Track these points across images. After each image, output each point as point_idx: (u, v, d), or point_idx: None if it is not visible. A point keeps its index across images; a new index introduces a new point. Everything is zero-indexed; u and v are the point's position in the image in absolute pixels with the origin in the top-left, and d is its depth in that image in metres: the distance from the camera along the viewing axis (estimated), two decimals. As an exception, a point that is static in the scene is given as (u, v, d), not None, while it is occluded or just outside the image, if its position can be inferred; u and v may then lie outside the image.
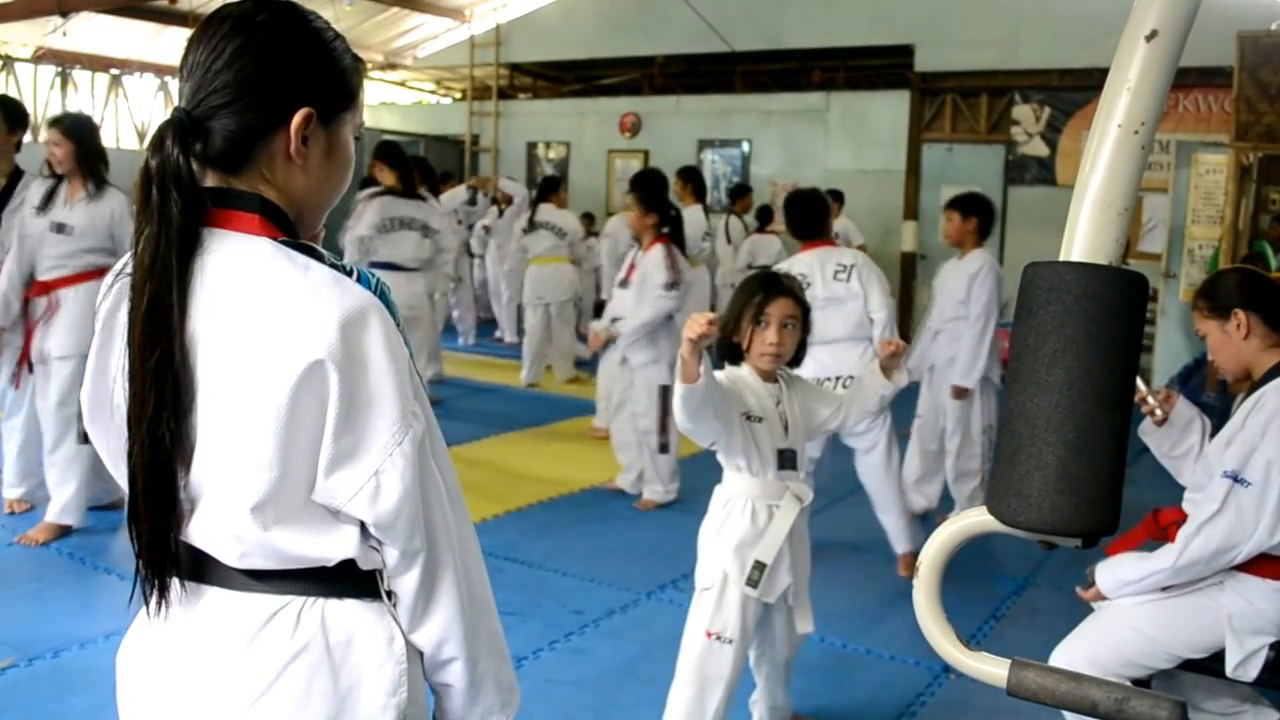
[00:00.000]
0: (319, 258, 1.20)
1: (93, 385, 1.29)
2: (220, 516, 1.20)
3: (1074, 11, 9.37)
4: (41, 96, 11.71)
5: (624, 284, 5.23)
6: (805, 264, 4.19)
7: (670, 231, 5.15)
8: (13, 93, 11.33)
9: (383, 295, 1.20)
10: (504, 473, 5.76)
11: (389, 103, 14.91)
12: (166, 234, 1.17)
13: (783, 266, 3.99)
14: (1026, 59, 10.03)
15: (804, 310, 2.73)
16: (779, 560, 2.63)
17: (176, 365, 1.16)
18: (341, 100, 1.29)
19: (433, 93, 15.22)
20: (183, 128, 1.20)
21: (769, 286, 2.70)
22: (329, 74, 1.27)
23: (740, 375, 2.69)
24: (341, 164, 1.32)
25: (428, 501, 1.23)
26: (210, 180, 1.23)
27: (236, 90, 1.21)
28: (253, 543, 1.19)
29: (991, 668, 0.93)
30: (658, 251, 5.08)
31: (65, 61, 11.57)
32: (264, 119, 1.23)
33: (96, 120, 5.20)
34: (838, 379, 3.84)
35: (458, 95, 14.59)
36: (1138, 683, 2.53)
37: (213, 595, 1.25)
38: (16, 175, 4.49)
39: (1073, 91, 9.91)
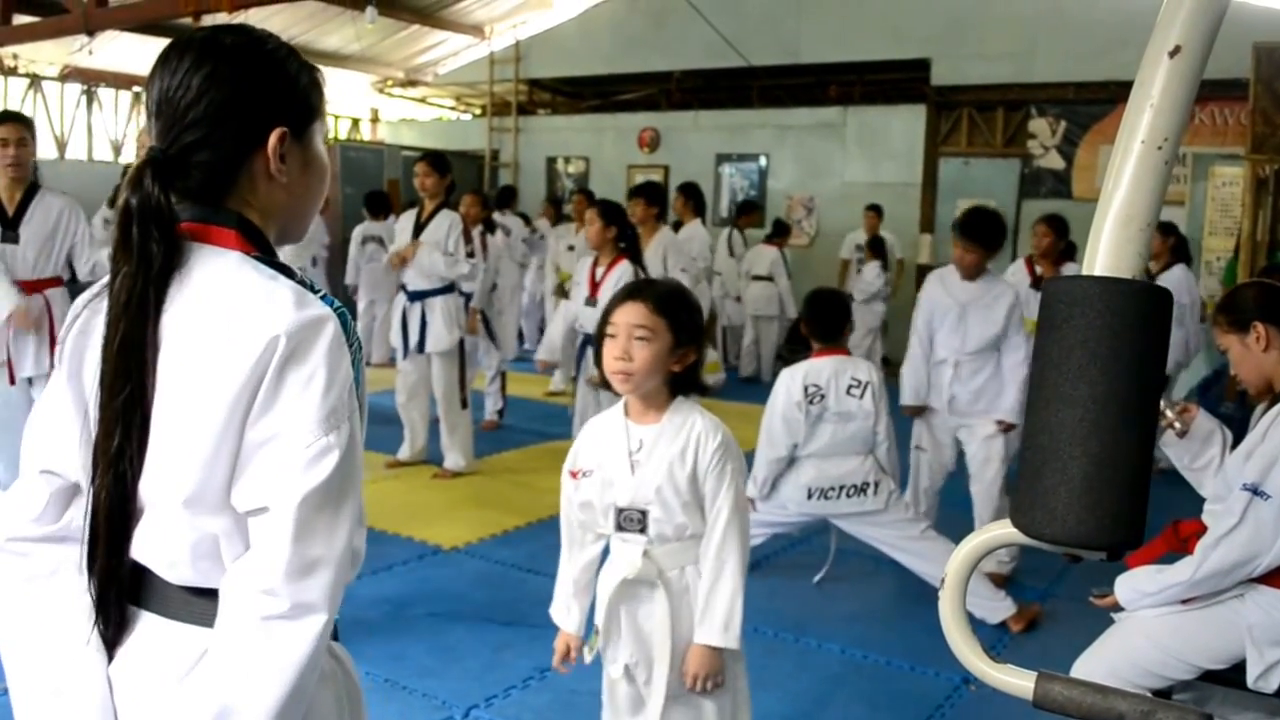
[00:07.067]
0: (289, 275, 1.22)
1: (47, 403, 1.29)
2: (157, 519, 1.21)
3: (1090, 25, 9.36)
4: (68, 115, 11.84)
5: (591, 301, 5.12)
6: (821, 374, 3.91)
7: (627, 248, 5.13)
8: (40, 111, 11.48)
9: (343, 319, 1.22)
10: (525, 485, 5.77)
11: (409, 119, 15.00)
12: (146, 275, 1.17)
13: (801, 367, 3.94)
14: (1042, 72, 10.00)
15: (670, 321, 2.16)
16: (611, 627, 2.28)
17: (145, 401, 1.17)
18: (309, 114, 1.32)
19: (453, 109, 15.29)
20: (160, 166, 1.21)
21: (622, 292, 2.24)
22: (293, 91, 1.30)
23: (601, 416, 2.32)
24: (319, 174, 1.35)
25: (335, 522, 1.18)
26: (190, 212, 1.24)
27: (210, 123, 1.23)
28: (183, 546, 1.20)
29: (1017, 679, 0.93)
30: (623, 270, 5.04)
31: (90, 80, 11.70)
32: (240, 146, 1.25)
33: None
34: (841, 488, 3.87)
35: (477, 111, 14.66)
36: (1158, 694, 2.52)
37: (149, 623, 1.25)
38: None
39: (1089, 105, 9.88)
